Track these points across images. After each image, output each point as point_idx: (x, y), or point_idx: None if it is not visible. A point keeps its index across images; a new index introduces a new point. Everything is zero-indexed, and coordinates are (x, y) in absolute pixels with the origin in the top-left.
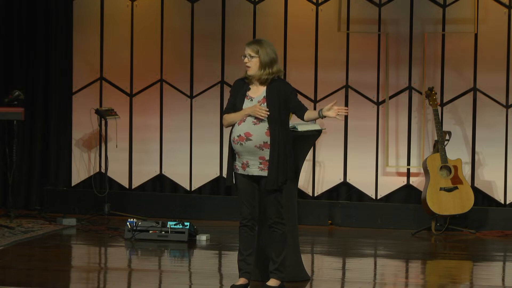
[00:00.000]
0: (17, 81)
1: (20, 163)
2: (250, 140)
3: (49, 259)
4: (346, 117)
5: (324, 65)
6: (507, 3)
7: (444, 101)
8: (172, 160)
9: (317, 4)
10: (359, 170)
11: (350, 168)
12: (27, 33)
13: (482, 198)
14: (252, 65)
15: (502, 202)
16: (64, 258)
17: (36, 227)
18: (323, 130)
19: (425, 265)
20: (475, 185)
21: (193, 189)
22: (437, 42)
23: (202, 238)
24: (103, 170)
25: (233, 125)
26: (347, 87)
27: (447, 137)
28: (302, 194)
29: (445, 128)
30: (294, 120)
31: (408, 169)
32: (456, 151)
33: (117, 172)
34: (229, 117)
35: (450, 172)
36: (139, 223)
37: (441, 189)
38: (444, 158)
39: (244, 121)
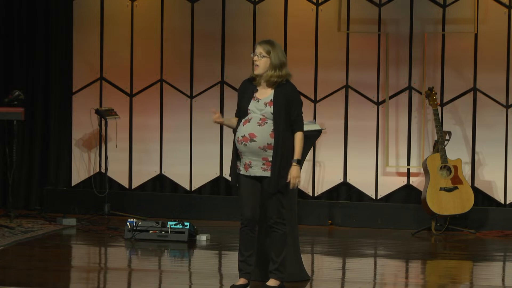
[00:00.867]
0: (17, 81)
1: (20, 163)
2: (254, 141)
3: (49, 259)
4: (346, 117)
5: (324, 65)
6: (507, 3)
7: (444, 101)
8: (172, 160)
9: (317, 4)
10: (359, 170)
11: (350, 168)
12: (27, 33)
13: (482, 198)
14: (261, 64)
15: (502, 202)
16: (64, 258)
17: (36, 227)
18: (323, 130)
19: (425, 265)
20: (475, 185)
21: (193, 189)
22: (437, 42)
23: (202, 238)
24: (103, 170)
25: (237, 125)
26: (347, 87)
27: (447, 137)
28: (302, 194)
29: (445, 128)
30: None
31: (408, 169)
32: (456, 151)
33: (117, 172)
34: (228, 121)
35: (450, 172)
36: (139, 223)
37: (441, 189)
38: (444, 158)
39: (249, 122)
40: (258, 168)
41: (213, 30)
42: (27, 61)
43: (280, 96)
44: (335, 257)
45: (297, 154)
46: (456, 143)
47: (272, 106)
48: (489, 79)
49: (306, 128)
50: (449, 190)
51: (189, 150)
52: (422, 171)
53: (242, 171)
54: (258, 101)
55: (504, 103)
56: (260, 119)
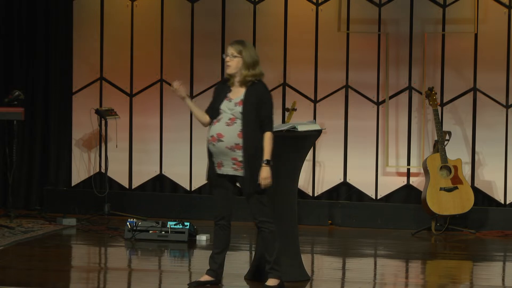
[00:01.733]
0: (17, 81)
1: (20, 163)
2: (222, 141)
3: (49, 259)
4: (346, 117)
5: (324, 65)
6: (507, 3)
7: (444, 101)
8: (172, 160)
9: (317, 4)
10: (359, 170)
11: (350, 168)
12: (27, 33)
13: (482, 198)
14: (233, 64)
15: (502, 202)
16: (64, 258)
17: (36, 227)
18: (323, 130)
19: (425, 265)
20: (475, 185)
21: (193, 189)
22: (437, 42)
23: (202, 238)
24: (103, 170)
25: (210, 124)
26: (347, 87)
27: (447, 137)
28: (302, 194)
29: (445, 128)
30: (294, 120)
31: (408, 169)
32: (456, 151)
33: (117, 172)
34: (192, 103)
35: (450, 172)
36: (139, 223)
37: (441, 189)
38: (444, 158)
39: (218, 122)
40: (229, 167)
41: (213, 30)
42: (27, 61)
43: (251, 95)
44: (335, 257)
45: (266, 155)
46: (456, 143)
47: (241, 106)
48: (489, 79)
49: (306, 128)
50: (449, 190)
51: (189, 150)
52: (422, 171)
53: (216, 170)
54: (230, 100)
55: (504, 103)
56: (230, 119)
